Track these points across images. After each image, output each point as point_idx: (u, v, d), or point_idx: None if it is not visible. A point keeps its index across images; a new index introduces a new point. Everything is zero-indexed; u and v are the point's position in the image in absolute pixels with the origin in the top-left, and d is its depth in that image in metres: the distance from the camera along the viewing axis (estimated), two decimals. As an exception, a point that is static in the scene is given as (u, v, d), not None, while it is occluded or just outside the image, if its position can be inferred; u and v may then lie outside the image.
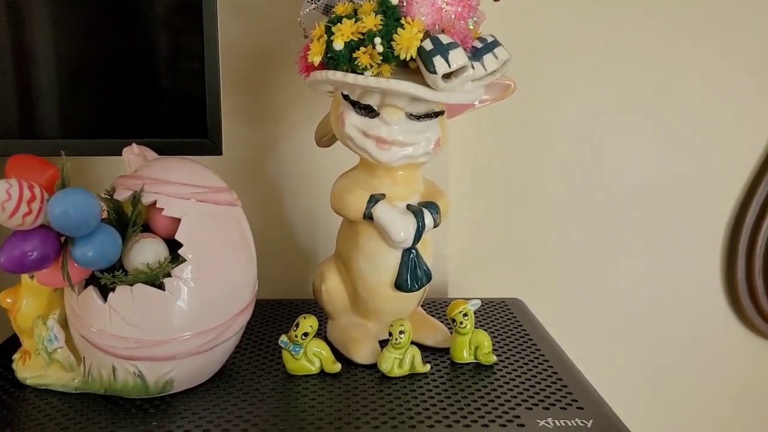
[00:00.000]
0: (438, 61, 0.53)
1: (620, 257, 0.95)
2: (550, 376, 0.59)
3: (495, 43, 0.58)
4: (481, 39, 0.58)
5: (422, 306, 0.71)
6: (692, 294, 0.96)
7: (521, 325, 0.72)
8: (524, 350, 0.65)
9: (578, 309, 0.96)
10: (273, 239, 0.86)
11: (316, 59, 0.56)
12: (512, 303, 0.80)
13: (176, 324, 0.52)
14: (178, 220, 0.52)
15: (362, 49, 0.54)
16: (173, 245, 0.53)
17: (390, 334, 0.59)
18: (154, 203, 0.52)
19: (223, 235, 0.55)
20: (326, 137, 0.68)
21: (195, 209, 0.53)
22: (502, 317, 0.75)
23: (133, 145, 0.58)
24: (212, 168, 0.59)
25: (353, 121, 0.59)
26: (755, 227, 0.92)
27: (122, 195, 0.53)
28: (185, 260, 0.52)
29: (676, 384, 0.99)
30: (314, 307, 0.72)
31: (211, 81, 0.62)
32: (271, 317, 0.74)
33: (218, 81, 0.63)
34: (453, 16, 0.56)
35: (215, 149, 0.64)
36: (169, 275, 0.51)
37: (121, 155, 0.59)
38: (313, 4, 0.58)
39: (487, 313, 0.76)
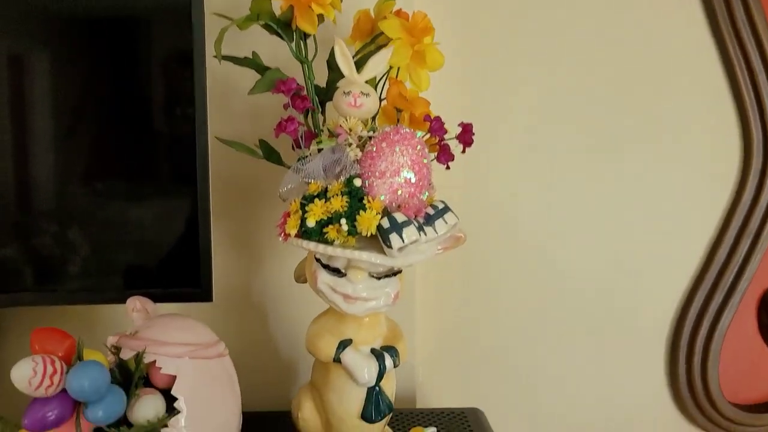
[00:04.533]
0: (393, 238, 0.63)
1: (571, 363, 1.04)
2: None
3: (445, 210, 0.68)
4: (433, 206, 0.69)
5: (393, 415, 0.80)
6: (639, 396, 1.06)
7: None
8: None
9: (535, 416, 1.05)
10: (257, 352, 0.95)
11: (293, 232, 0.67)
12: (471, 413, 0.89)
13: (172, 465, 0.61)
14: (175, 375, 0.62)
15: (331, 226, 0.65)
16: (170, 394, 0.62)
17: (354, 462, 0.68)
18: (154, 362, 0.62)
19: (213, 383, 0.65)
20: (302, 277, 0.78)
21: (188, 366, 0.63)
22: (459, 429, 0.84)
23: (136, 300, 0.68)
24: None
25: (324, 278, 0.69)
26: (692, 337, 1.03)
27: (127, 354, 0.62)
28: (180, 411, 0.61)
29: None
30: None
31: (204, 239, 0.73)
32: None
33: (210, 240, 0.74)
34: (407, 196, 0.67)
35: (207, 296, 0.74)
36: (166, 426, 0.61)
37: (123, 303, 0.70)
38: (291, 184, 0.68)
39: (445, 424, 0.85)
